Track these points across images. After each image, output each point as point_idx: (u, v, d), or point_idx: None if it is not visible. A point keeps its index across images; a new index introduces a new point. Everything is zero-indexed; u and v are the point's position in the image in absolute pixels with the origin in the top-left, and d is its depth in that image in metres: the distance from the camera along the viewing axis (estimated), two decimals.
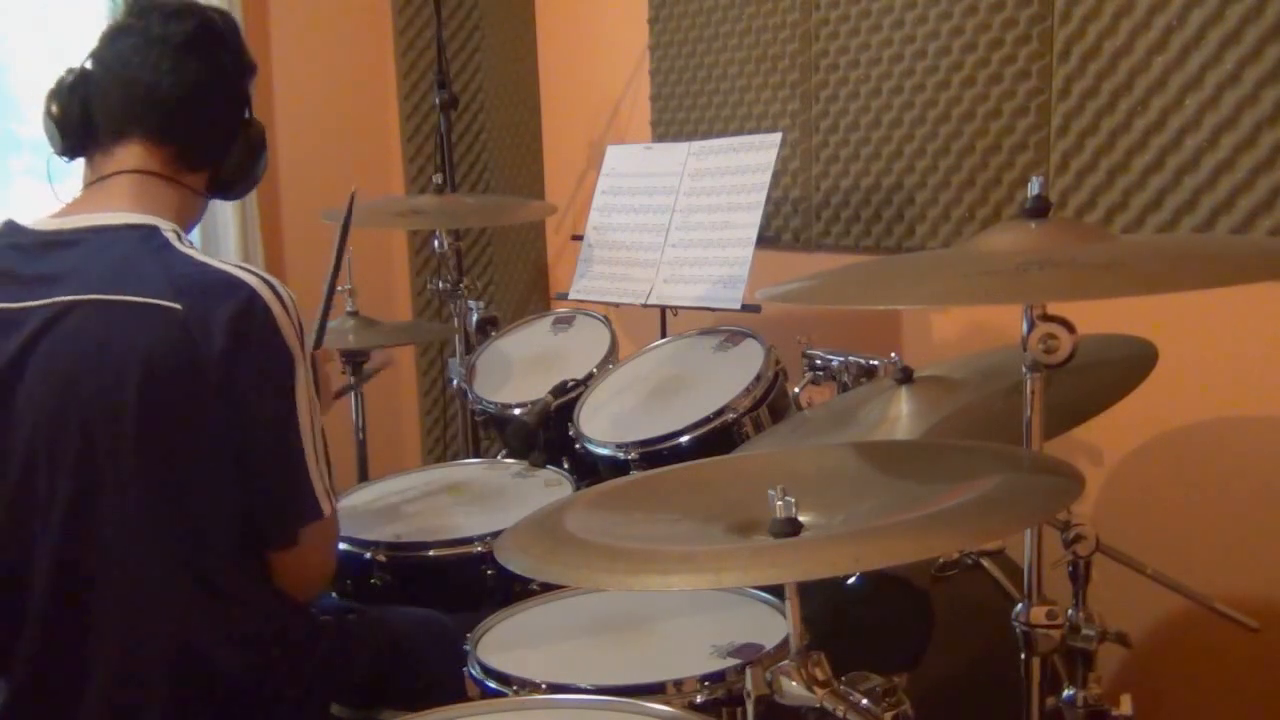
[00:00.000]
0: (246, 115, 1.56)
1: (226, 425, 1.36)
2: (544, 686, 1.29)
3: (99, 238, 1.41)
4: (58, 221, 1.44)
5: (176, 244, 1.42)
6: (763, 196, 2.14)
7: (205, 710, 1.39)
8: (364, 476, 2.49)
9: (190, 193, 1.52)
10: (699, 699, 1.27)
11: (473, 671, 1.36)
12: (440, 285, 2.53)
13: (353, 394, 2.52)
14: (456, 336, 2.54)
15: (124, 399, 1.32)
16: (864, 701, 1.05)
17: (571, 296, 2.42)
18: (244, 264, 1.41)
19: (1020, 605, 1.20)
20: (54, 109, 1.50)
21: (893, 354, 1.74)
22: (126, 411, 1.32)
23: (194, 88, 1.48)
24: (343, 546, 1.74)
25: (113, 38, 1.49)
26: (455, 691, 1.36)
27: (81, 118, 1.49)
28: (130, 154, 1.47)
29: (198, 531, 1.38)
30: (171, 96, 1.46)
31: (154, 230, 1.42)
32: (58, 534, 1.34)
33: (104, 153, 1.48)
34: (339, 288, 1.93)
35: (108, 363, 1.33)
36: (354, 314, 2.47)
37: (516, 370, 2.35)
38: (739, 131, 2.59)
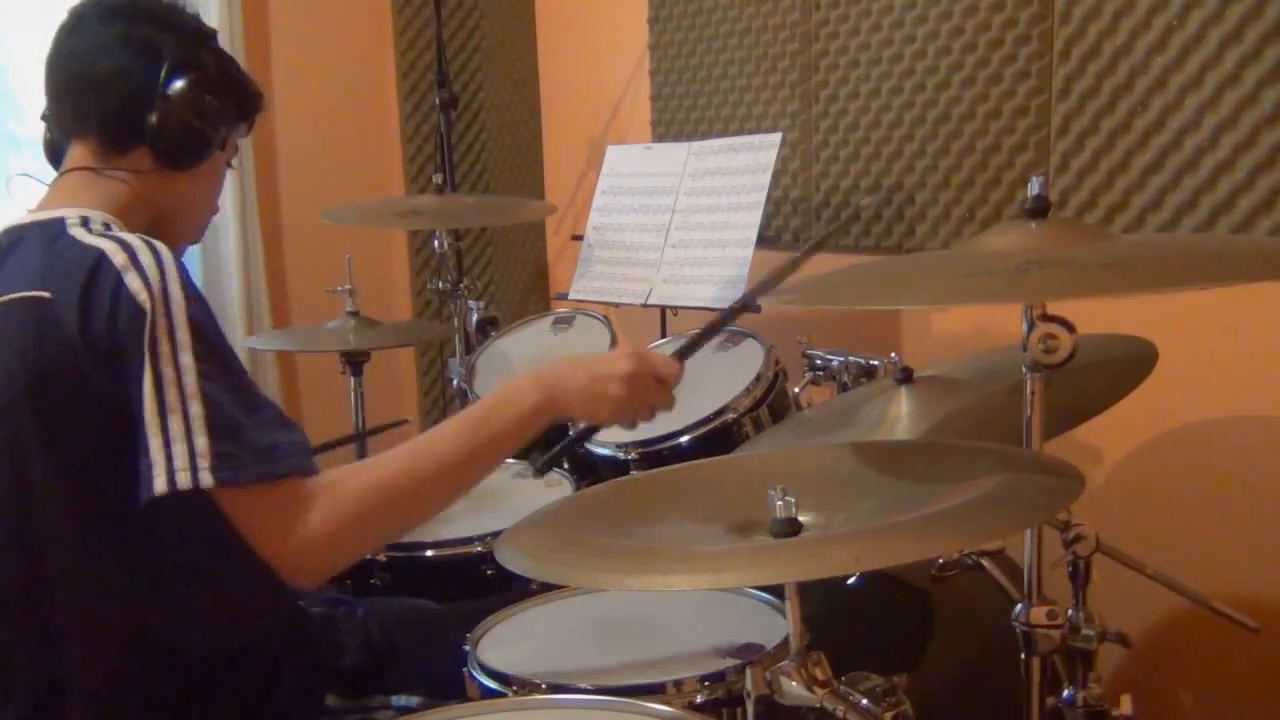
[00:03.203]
0: (163, 78, 1.40)
1: (114, 398, 1.26)
2: (544, 686, 1.28)
3: (7, 239, 1.38)
4: None
5: (75, 230, 1.34)
6: (763, 196, 2.14)
7: (199, 701, 1.37)
8: None
9: (131, 176, 1.43)
10: (699, 699, 1.26)
11: (473, 671, 1.36)
12: (440, 285, 2.53)
13: (353, 394, 2.52)
14: (456, 336, 2.54)
15: (15, 399, 1.28)
16: (864, 701, 1.05)
17: (571, 296, 2.42)
18: (134, 234, 1.32)
19: (1020, 605, 1.20)
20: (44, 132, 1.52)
21: (893, 354, 1.74)
22: (24, 412, 1.28)
23: (82, 72, 1.42)
24: None
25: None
26: (447, 678, 1.36)
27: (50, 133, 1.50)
28: (70, 156, 1.45)
29: (133, 515, 1.28)
30: (66, 87, 1.43)
31: (57, 221, 1.35)
32: None
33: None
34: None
35: (1, 366, 1.29)
36: (354, 314, 2.47)
37: (517, 370, 2.35)
38: (739, 131, 2.59)
